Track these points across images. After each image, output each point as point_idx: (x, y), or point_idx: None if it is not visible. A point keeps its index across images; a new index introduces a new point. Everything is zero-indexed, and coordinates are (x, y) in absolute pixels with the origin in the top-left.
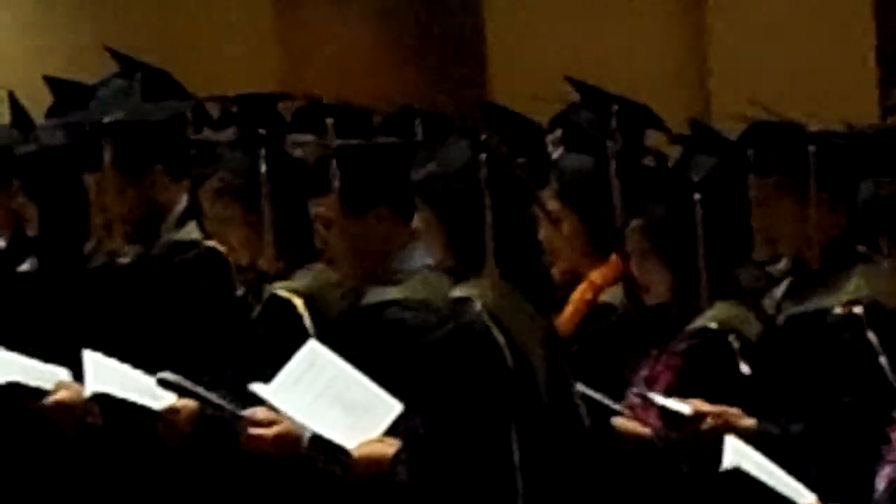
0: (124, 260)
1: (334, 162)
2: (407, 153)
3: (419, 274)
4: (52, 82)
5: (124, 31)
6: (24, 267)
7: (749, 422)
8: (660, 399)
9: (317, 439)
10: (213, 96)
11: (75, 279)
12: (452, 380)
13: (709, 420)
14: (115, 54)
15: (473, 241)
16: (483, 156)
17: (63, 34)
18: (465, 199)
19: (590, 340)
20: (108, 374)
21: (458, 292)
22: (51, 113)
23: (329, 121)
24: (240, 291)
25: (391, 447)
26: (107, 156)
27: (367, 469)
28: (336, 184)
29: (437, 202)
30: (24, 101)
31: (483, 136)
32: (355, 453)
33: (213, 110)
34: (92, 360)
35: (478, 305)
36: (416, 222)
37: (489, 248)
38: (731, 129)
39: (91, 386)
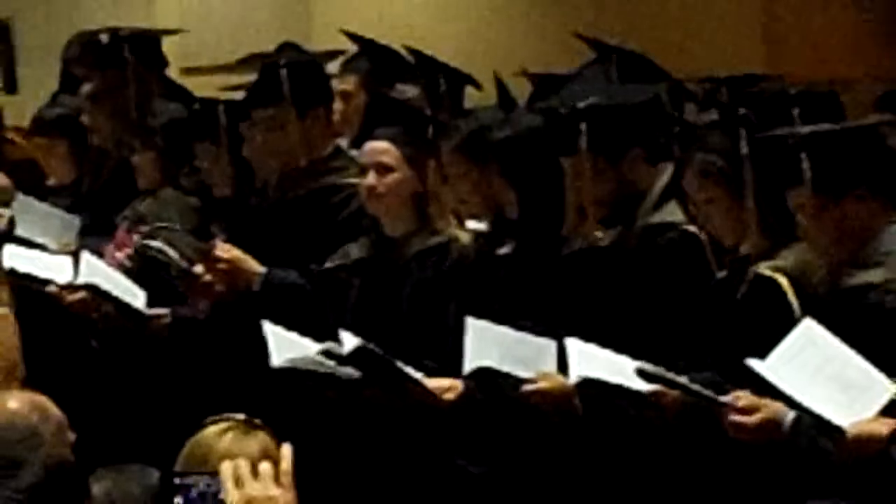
0: (602, 243)
1: (804, 151)
2: (876, 132)
3: None
4: (529, 75)
5: (599, 18)
6: (504, 250)
7: None
8: None
9: (806, 416)
10: (690, 79)
11: (553, 262)
12: None
13: None
14: (588, 40)
15: None
16: None
17: (536, 20)
18: None
19: None
20: (590, 360)
21: None
22: (530, 103)
23: (794, 111)
24: (722, 273)
25: (885, 426)
26: (583, 140)
27: (859, 448)
28: (808, 173)
29: None
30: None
31: None
32: (849, 432)
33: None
34: (575, 347)
35: None
36: None
37: None
38: None
39: (575, 371)
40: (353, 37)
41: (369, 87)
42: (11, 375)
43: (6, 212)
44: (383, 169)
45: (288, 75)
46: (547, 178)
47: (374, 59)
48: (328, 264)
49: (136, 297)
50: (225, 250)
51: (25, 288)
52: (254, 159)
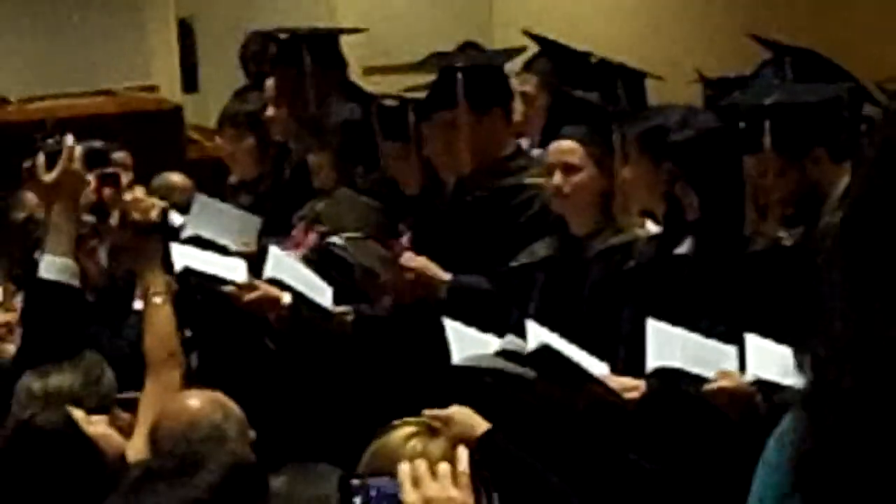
0: (785, 243)
1: None
2: None
3: None
4: (704, 79)
5: (781, 14)
6: (682, 249)
7: None
8: None
9: None
10: (869, 79)
11: (735, 263)
12: None
13: None
14: (762, 40)
15: None
16: None
17: (711, 20)
18: None
19: None
20: (770, 359)
21: None
22: (708, 105)
23: None
24: None
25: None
26: (767, 138)
27: None
28: None
29: None
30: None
31: None
32: None
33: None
34: (753, 343)
35: None
36: None
37: None
38: None
39: (752, 369)
40: (534, 37)
41: (550, 87)
42: (171, 363)
43: (159, 202)
44: (570, 168)
45: (464, 79)
46: (727, 178)
47: (555, 59)
48: (514, 262)
49: (322, 293)
50: (410, 259)
51: (201, 287)
52: (434, 159)
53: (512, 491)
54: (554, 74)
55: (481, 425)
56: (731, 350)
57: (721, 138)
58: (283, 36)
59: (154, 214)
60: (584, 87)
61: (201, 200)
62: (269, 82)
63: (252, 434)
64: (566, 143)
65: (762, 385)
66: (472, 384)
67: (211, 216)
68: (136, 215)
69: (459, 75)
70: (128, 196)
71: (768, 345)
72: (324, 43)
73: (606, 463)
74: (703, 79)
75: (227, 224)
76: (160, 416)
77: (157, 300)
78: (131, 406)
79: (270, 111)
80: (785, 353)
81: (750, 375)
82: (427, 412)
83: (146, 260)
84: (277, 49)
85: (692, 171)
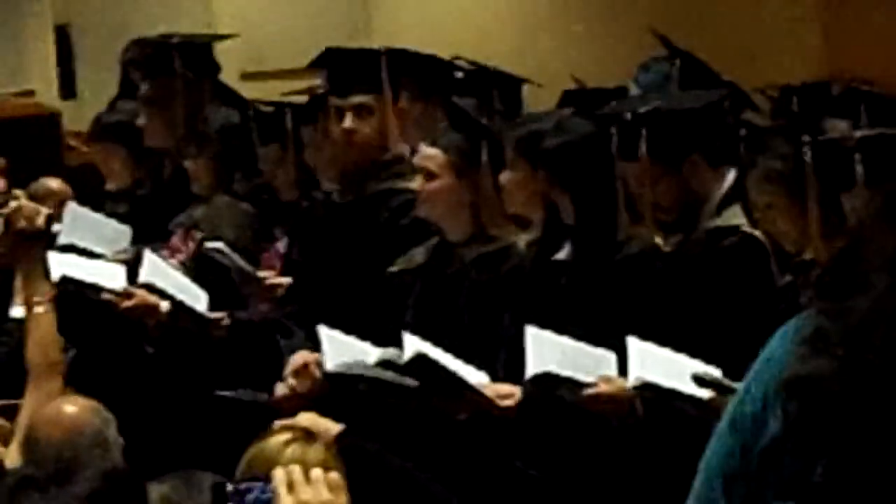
0: (665, 248)
1: (858, 154)
2: None
3: None
4: (580, 86)
5: (663, 19)
6: (560, 255)
7: None
8: None
9: None
10: (745, 83)
11: (611, 268)
12: None
13: None
14: (663, 39)
15: None
16: None
17: (586, 27)
18: None
19: None
20: (651, 360)
21: None
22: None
23: (862, 115)
24: (787, 279)
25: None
26: (643, 145)
27: None
28: (861, 177)
29: None
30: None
31: None
32: None
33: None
34: (636, 346)
35: None
36: None
37: None
38: None
39: (635, 372)
40: (394, 52)
41: (421, 99)
42: (53, 371)
43: (44, 210)
44: (428, 175)
45: (387, 62)
46: (601, 183)
47: (416, 73)
48: (392, 268)
49: (197, 298)
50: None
51: (79, 295)
52: (318, 163)
53: (372, 490)
54: (420, 85)
55: (333, 427)
56: (610, 355)
57: (593, 144)
58: (156, 44)
59: (40, 221)
60: (456, 94)
61: (73, 210)
62: (143, 90)
63: (120, 440)
64: (430, 150)
65: (646, 388)
66: (346, 392)
67: (84, 225)
68: (22, 222)
69: (383, 59)
70: (13, 203)
71: (651, 348)
72: (197, 50)
73: (489, 470)
74: (579, 86)
75: (101, 233)
76: (35, 423)
77: (40, 309)
78: (10, 413)
79: (143, 119)
80: (668, 355)
81: (634, 379)
82: (277, 423)
83: (30, 267)
84: (150, 57)
85: (565, 177)
